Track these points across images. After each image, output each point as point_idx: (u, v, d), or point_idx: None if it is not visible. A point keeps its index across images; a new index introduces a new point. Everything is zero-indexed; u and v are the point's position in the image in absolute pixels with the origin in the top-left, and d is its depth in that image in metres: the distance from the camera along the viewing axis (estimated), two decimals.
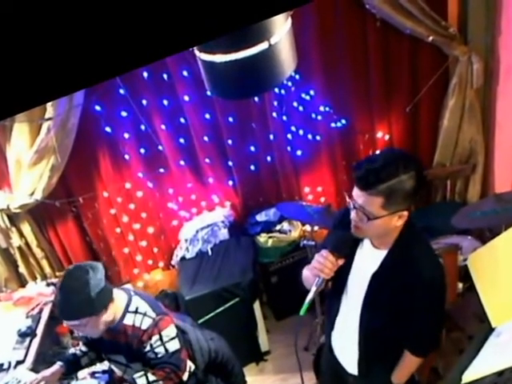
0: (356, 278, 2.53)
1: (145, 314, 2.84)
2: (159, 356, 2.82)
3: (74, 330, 2.84)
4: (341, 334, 2.76)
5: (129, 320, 2.84)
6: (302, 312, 2.34)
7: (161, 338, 2.81)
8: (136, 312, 2.86)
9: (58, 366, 3.12)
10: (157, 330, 2.80)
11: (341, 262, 2.38)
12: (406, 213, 2.25)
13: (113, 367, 3.17)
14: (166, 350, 2.82)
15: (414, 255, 2.37)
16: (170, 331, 2.85)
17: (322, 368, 3.12)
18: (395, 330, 2.53)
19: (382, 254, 2.42)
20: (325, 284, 2.41)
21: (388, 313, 2.47)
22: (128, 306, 2.88)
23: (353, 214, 2.30)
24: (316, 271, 2.37)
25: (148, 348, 2.81)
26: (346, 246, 2.42)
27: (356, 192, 2.24)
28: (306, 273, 2.55)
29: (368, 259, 2.47)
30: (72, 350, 3.32)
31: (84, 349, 3.24)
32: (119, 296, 2.89)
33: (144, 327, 2.81)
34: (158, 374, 2.85)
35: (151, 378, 2.85)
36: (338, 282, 2.58)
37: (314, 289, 2.37)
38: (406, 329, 2.52)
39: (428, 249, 2.47)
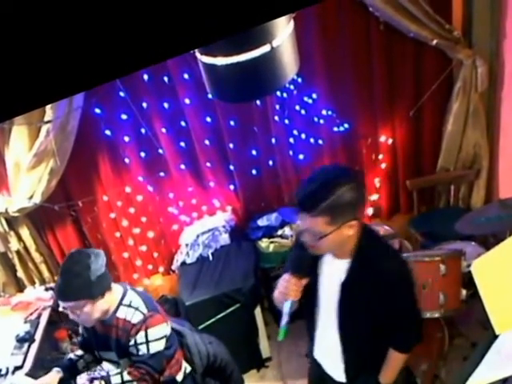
0: (325, 291, 2.57)
1: (137, 309, 2.88)
2: (140, 354, 2.85)
3: (69, 313, 2.87)
4: (323, 348, 2.79)
5: (121, 313, 2.89)
6: (281, 337, 2.38)
7: (146, 336, 2.83)
8: (129, 306, 2.90)
9: (55, 371, 3.12)
10: (144, 326, 2.83)
11: (305, 281, 2.43)
12: (354, 222, 2.29)
13: (107, 366, 3.20)
14: (148, 349, 2.85)
15: (377, 257, 2.43)
16: (157, 330, 2.88)
17: (310, 378, 3.15)
18: (376, 333, 2.55)
19: (346, 263, 2.46)
20: (297, 304, 2.43)
21: (365, 318, 2.50)
22: (123, 298, 2.93)
23: (304, 237, 2.36)
24: (283, 296, 2.41)
25: (132, 343, 2.84)
26: (304, 266, 2.46)
27: (300, 216, 2.29)
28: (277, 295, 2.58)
29: (333, 271, 2.51)
30: (69, 355, 3.33)
31: (79, 352, 3.26)
32: (115, 288, 2.94)
33: (134, 321, 2.84)
34: (133, 374, 2.87)
35: (126, 377, 2.88)
36: (308, 299, 2.60)
37: (286, 311, 2.39)
38: (386, 329, 2.55)
39: (388, 248, 2.55)
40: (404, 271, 2.46)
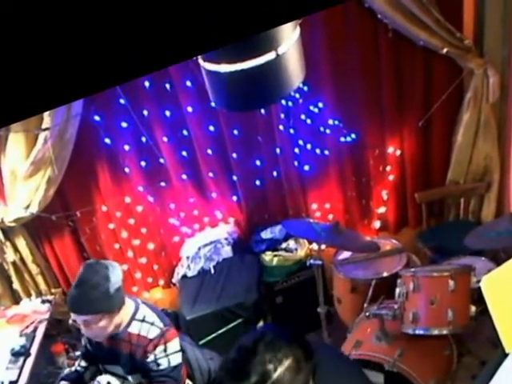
0: None
1: (152, 324, 2.87)
2: (161, 368, 2.83)
3: (80, 327, 2.81)
4: None
5: (134, 328, 2.86)
6: None
7: (165, 350, 2.82)
8: (143, 321, 2.88)
9: None
10: (163, 340, 2.82)
11: None
12: None
13: (106, 378, 3.18)
14: (169, 362, 2.83)
15: None
16: (175, 344, 2.88)
17: None
18: None
19: None
20: None
21: None
22: (135, 313, 2.91)
23: None
24: None
25: (152, 358, 2.81)
26: None
27: None
28: None
29: None
30: (75, 367, 3.32)
31: (84, 364, 3.26)
32: (127, 303, 2.91)
33: (151, 336, 2.83)
34: None
35: None
36: None
37: None
38: None
39: None
40: None
